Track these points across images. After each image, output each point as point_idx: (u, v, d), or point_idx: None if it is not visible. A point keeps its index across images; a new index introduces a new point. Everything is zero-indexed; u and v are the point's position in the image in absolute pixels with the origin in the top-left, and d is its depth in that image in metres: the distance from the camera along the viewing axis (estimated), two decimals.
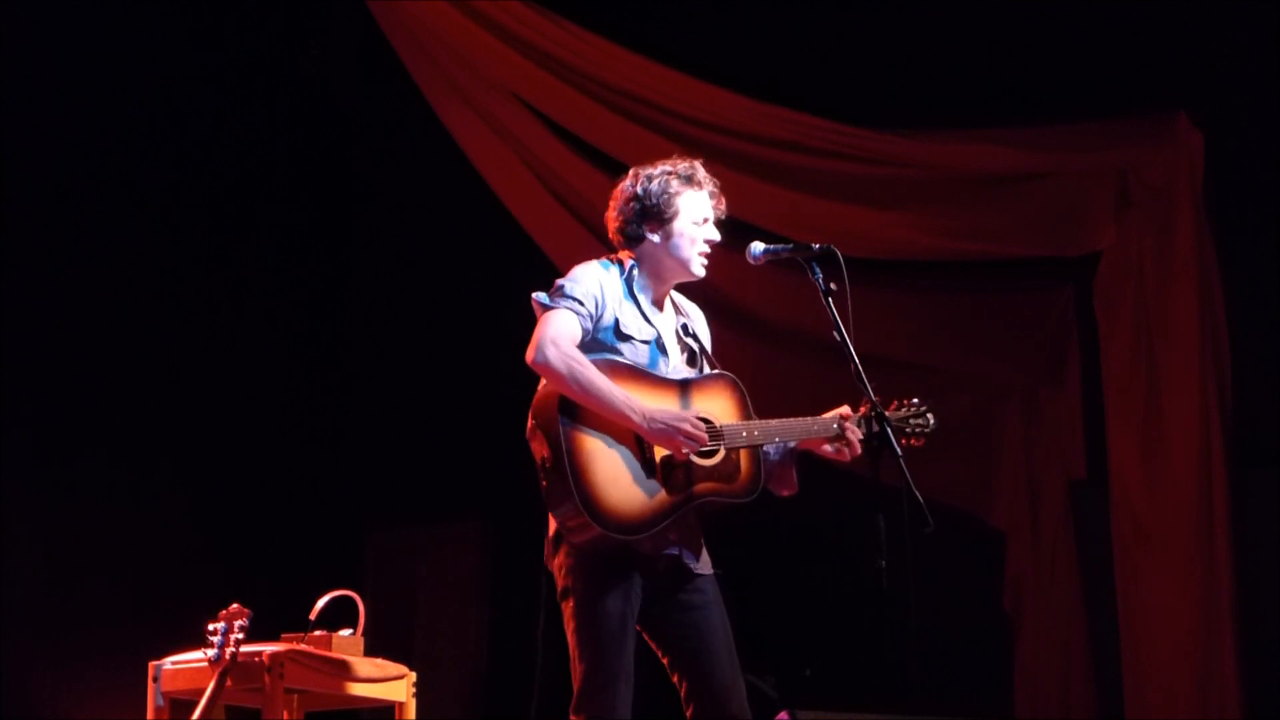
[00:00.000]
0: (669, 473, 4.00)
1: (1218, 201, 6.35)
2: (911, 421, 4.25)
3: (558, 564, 4.05)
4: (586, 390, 3.94)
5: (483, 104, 6.88)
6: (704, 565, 4.14)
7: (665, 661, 4.11)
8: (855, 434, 4.13)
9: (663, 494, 3.98)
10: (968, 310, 6.93)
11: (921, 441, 4.24)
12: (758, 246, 4.24)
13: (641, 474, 3.98)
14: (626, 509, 3.94)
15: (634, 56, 6.67)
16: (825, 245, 4.13)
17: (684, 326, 4.28)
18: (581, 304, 4.06)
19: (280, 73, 7.62)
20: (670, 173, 4.21)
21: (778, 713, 5.56)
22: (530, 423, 4.04)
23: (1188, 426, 6.26)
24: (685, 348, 4.25)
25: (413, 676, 4.94)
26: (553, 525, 4.07)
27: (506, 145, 6.89)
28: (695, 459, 4.01)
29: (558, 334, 4.00)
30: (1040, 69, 6.53)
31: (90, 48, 6.61)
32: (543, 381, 4.06)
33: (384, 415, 7.89)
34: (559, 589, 4.04)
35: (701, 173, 4.25)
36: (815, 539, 6.83)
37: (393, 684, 4.89)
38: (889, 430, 4.03)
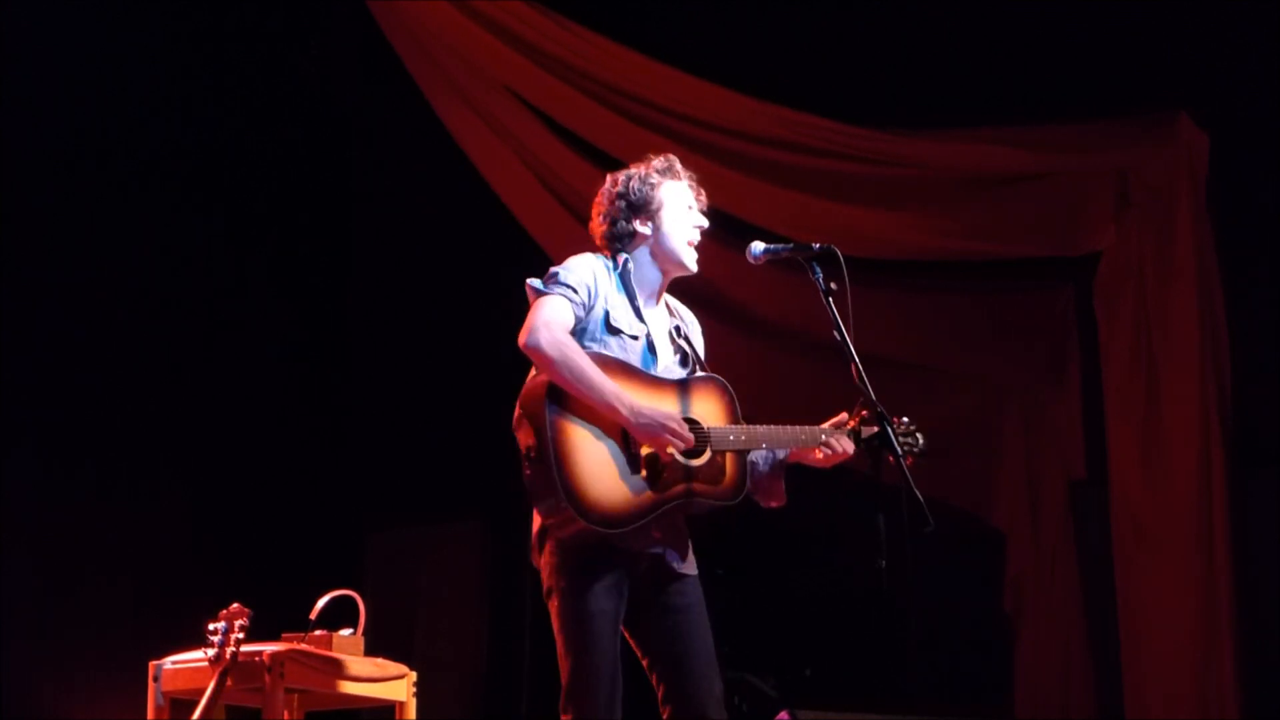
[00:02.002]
0: (654, 470, 3.97)
1: (1218, 201, 6.35)
2: (900, 439, 4.18)
3: (544, 562, 4.02)
4: (577, 377, 3.90)
5: (483, 104, 6.88)
6: (688, 566, 4.12)
7: (645, 662, 4.08)
8: (842, 444, 4.11)
9: (647, 491, 3.95)
10: (968, 310, 6.92)
11: (911, 460, 4.16)
12: (758, 246, 4.24)
13: (626, 469, 3.95)
14: (610, 503, 3.90)
15: (634, 56, 6.67)
16: (825, 245, 4.13)
17: (676, 328, 4.26)
18: (575, 291, 4.04)
19: (280, 73, 7.62)
20: (648, 166, 4.24)
21: (778, 713, 5.56)
22: (518, 411, 4.00)
23: (1188, 426, 6.26)
24: (678, 349, 4.23)
25: (413, 676, 4.94)
26: (537, 521, 4.04)
27: (507, 145, 6.89)
28: (681, 458, 3.99)
29: (550, 318, 3.97)
30: (1040, 69, 6.52)
31: (90, 48, 6.61)
32: (532, 371, 4.03)
33: (384, 415, 7.89)
34: (544, 587, 4.01)
35: (679, 164, 4.26)
36: (815, 539, 6.82)
37: (393, 684, 4.89)
38: (889, 430, 4.02)
